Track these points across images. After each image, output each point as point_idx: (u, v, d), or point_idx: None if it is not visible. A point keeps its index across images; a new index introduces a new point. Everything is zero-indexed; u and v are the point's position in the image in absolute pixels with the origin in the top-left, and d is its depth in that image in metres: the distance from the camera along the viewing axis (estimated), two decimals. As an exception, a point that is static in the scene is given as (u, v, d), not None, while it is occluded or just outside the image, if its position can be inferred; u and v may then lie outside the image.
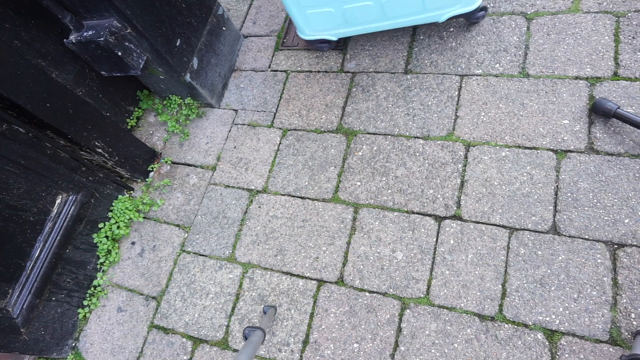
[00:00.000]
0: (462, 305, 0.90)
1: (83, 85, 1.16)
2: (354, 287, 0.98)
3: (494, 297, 0.89)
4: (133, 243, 1.22)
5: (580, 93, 1.02)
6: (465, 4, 1.05)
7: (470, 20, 1.14)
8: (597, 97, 1.00)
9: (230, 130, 1.29)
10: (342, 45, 1.29)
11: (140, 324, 1.10)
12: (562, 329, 0.83)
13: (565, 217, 0.92)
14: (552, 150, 0.99)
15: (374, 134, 1.14)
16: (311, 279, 1.02)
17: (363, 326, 0.94)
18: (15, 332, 1.00)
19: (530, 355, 0.83)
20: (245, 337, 0.84)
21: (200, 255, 1.13)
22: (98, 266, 1.20)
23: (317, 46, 1.24)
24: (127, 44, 1.03)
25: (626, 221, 0.88)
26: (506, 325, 0.86)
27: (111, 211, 1.24)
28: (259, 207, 1.14)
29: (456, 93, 1.11)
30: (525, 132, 1.02)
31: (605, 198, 0.91)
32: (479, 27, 1.18)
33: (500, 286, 0.90)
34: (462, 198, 1.00)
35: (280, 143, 1.21)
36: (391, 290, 0.96)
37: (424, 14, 1.06)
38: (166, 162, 1.31)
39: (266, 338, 0.98)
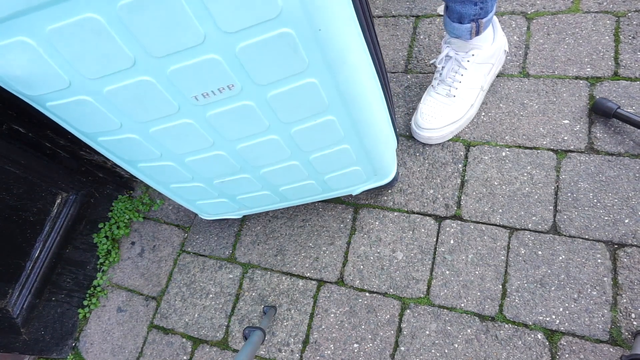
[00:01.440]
0: (462, 305, 0.90)
1: (83, 85, 1.16)
2: (354, 287, 0.98)
3: (494, 297, 0.89)
4: (133, 243, 1.22)
5: (581, 93, 1.02)
6: (378, 179, 0.90)
7: (387, 188, 1.02)
8: (598, 97, 1.00)
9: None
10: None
11: (140, 324, 1.10)
12: (562, 329, 0.83)
13: (565, 217, 0.92)
14: (552, 150, 0.99)
15: (374, 134, 1.14)
16: (311, 279, 1.02)
17: (363, 326, 0.94)
18: (15, 332, 1.00)
19: (530, 355, 0.83)
20: (245, 337, 0.84)
21: (200, 255, 1.13)
22: (98, 266, 1.20)
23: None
24: (127, 44, 1.03)
25: (626, 221, 0.88)
26: (506, 325, 0.86)
27: (111, 211, 1.24)
28: (259, 207, 1.14)
29: (456, 93, 1.11)
30: (525, 132, 1.02)
31: (605, 198, 0.91)
32: (479, 27, 1.18)
33: (501, 286, 0.90)
34: (462, 198, 1.00)
35: (280, 143, 1.21)
36: (391, 290, 0.96)
37: (332, 192, 0.93)
38: (166, 162, 1.30)
39: (266, 338, 0.98)
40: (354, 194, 0.95)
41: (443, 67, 1.01)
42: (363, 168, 0.84)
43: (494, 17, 0.99)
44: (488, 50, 0.98)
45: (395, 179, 0.96)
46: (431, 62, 1.08)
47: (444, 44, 1.01)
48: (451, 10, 0.90)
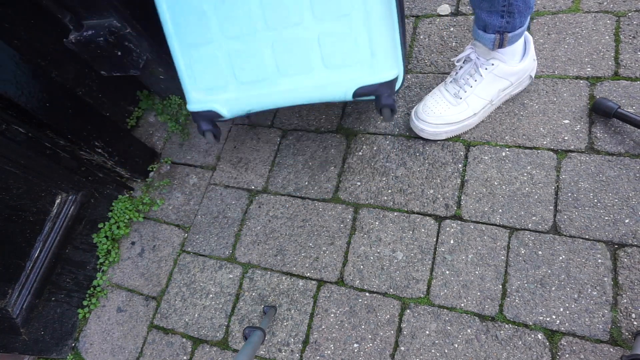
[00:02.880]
0: (462, 305, 0.90)
1: (83, 85, 1.16)
2: (354, 287, 0.98)
3: (494, 297, 0.89)
4: (133, 243, 1.22)
5: (581, 93, 1.02)
6: (375, 74, 0.85)
7: (380, 107, 0.90)
8: (598, 96, 1.00)
9: (230, 130, 1.29)
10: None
11: (140, 324, 1.10)
12: (562, 329, 0.83)
13: (565, 217, 0.92)
14: (552, 150, 0.99)
15: (374, 134, 1.14)
16: (311, 279, 1.02)
17: (363, 326, 0.94)
18: (15, 332, 1.00)
19: (530, 355, 0.83)
20: (245, 337, 0.84)
21: (200, 255, 1.13)
22: (98, 266, 1.20)
23: (204, 133, 0.96)
24: (127, 43, 1.03)
25: (627, 221, 0.88)
26: (506, 326, 0.86)
27: (111, 211, 1.24)
28: (259, 207, 1.14)
29: (456, 93, 1.11)
30: (525, 132, 1.02)
31: (605, 198, 0.91)
32: (479, 26, 1.18)
33: (501, 286, 0.90)
34: (462, 198, 1.00)
35: (280, 143, 1.21)
36: (391, 290, 0.96)
37: (328, 88, 0.86)
38: (166, 162, 1.30)
39: (266, 338, 0.98)
40: (349, 97, 0.86)
41: (461, 67, 1.00)
42: (363, 59, 0.83)
43: (530, 39, 0.97)
44: (511, 67, 0.96)
45: (394, 82, 0.86)
46: (452, 59, 1.06)
47: (469, 45, 0.99)
48: (477, 16, 0.89)
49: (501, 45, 0.91)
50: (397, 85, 0.90)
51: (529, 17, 0.87)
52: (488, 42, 0.91)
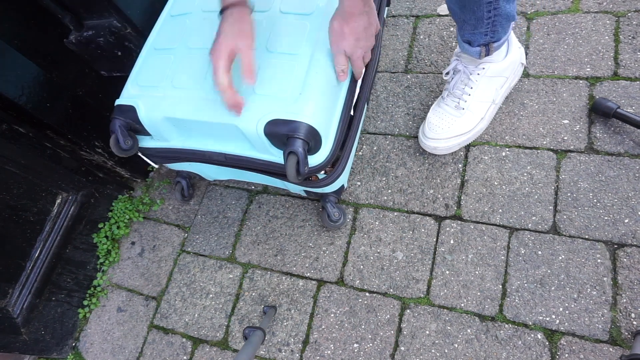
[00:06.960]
0: (462, 305, 0.90)
1: (83, 85, 1.16)
2: (354, 287, 0.99)
3: (494, 297, 0.89)
4: (133, 243, 1.22)
5: (580, 93, 1.02)
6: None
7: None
8: (597, 96, 1.00)
9: (230, 130, 1.29)
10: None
11: (140, 324, 1.10)
12: (562, 329, 0.84)
13: (565, 217, 0.92)
14: (552, 150, 0.99)
15: (373, 133, 1.14)
16: (311, 279, 1.02)
17: (363, 326, 0.94)
18: (16, 332, 1.01)
19: (530, 355, 0.83)
20: (245, 337, 0.84)
21: (200, 255, 1.13)
22: (98, 266, 1.20)
23: (111, 133, 0.90)
24: (127, 43, 1.03)
25: (626, 221, 0.88)
26: (506, 325, 0.87)
27: (111, 211, 1.24)
28: (259, 206, 1.14)
29: (456, 93, 1.11)
30: (525, 132, 1.02)
31: (605, 198, 0.91)
32: (479, 27, 1.18)
33: (501, 286, 0.90)
34: (462, 198, 1.00)
35: (280, 143, 1.21)
36: (391, 290, 0.96)
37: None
38: (166, 162, 1.31)
39: (266, 338, 0.98)
40: (260, 131, 0.77)
41: (452, 79, 0.98)
42: (290, 94, 0.78)
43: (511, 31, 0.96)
44: (501, 64, 0.95)
45: (312, 129, 0.76)
46: (443, 71, 1.03)
47: (454, 56, 0.98)
48: (460, 33, 0.88)
49: (488, 53, 0.90)
50: (322, 158, 0.81)
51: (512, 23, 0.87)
52: (474, 54, 0.91)
